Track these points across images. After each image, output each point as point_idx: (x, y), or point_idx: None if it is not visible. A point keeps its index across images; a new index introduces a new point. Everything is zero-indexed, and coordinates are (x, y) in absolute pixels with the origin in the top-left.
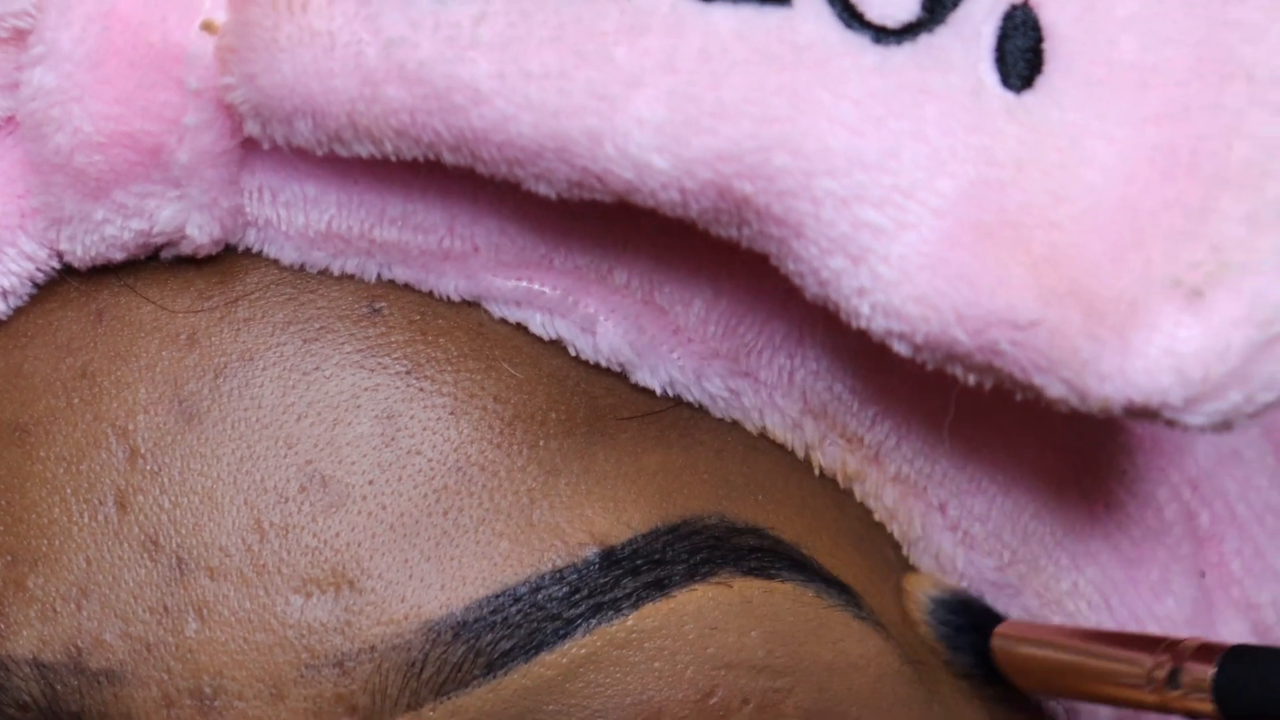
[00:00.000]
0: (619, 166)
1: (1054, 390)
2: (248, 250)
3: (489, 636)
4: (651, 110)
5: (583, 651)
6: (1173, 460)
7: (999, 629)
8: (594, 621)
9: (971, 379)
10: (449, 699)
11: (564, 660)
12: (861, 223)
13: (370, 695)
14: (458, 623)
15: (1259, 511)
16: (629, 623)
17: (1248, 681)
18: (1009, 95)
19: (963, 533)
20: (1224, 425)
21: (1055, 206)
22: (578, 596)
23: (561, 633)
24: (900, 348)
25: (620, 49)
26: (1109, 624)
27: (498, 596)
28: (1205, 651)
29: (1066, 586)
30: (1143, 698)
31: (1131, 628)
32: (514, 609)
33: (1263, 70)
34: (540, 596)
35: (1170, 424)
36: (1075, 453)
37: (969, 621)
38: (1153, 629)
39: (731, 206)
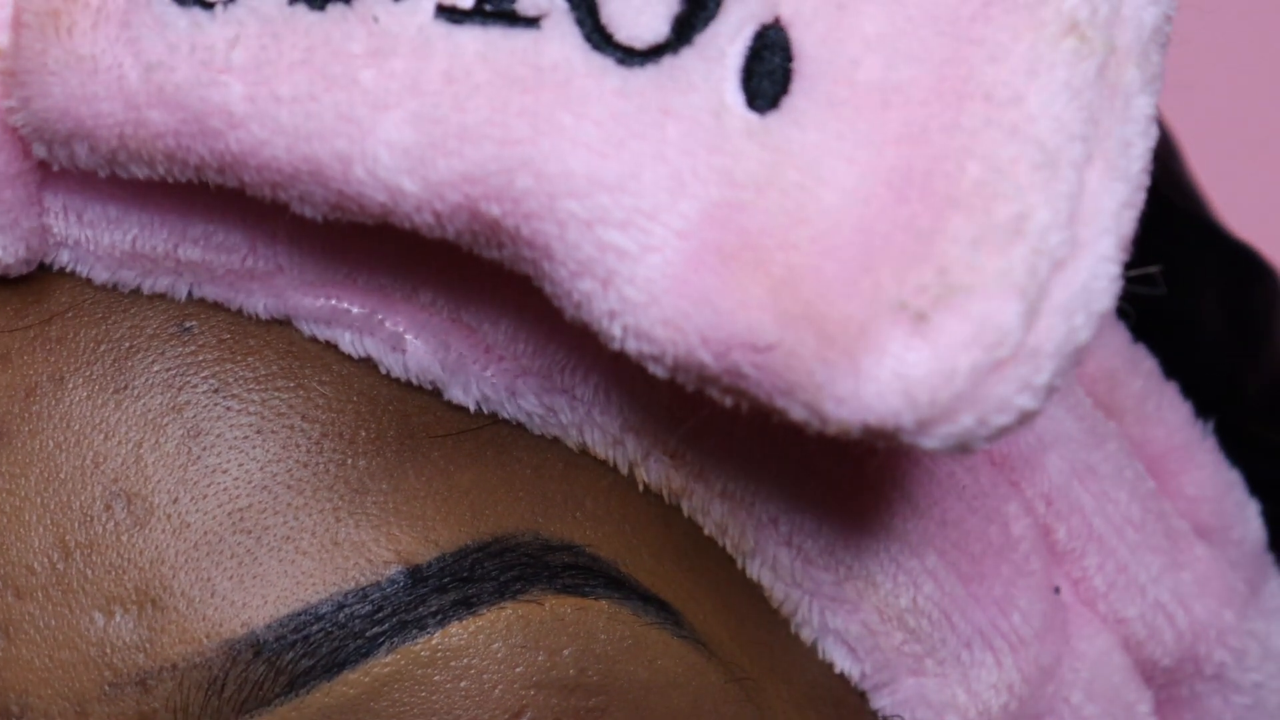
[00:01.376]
0: (371, 190)
1: (796, 413)
2: (62, 269)
3: (290, 655)
4: (399, 133)
5: (386, 670)
6: (1024, 475)
7: None
8: (398, 640)
9: (728, 401)
10: (251, 717)
11: (366, 679)
12: (606, 245)
13: (172, 713)
14: (257, 641)
15: (1118, 525)
16: (434, 641)
17: None
18: (752, 116)
19: (796, 548)
20: (960, 448)
21: (794, 228)
22: (381, 615)
23: (364, 651)
24: (655, 370)
25: (368, 72)
26: (952, 640)
27: (299, 615)
28: None
29: (905, 603)
30: None
31: (978, 644)
32: (315, 627)
33: (1003, 91)
34: (343, 615)
35: (910, 447)
36: (905, 468)
37: None
38: (1000, 644)
39: (484, 229)
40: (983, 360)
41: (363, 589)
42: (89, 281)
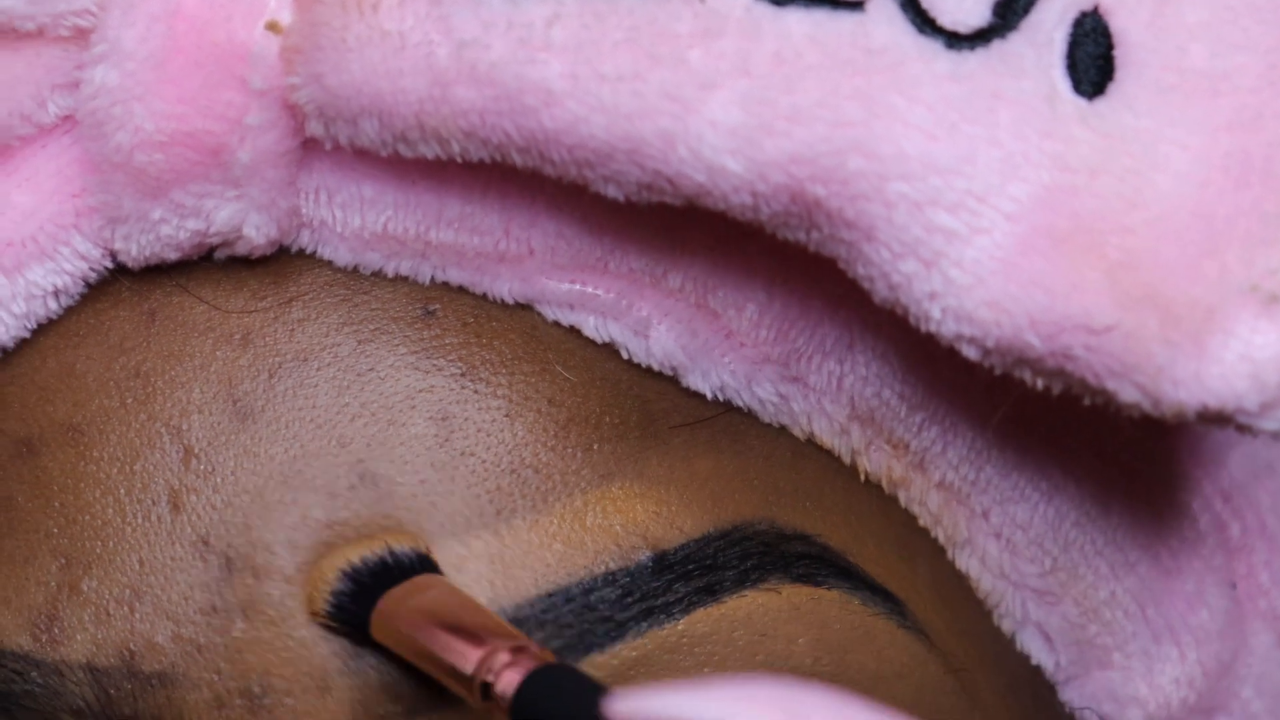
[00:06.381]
0: (691, 169)
1: (1126, 395)
2: (301, 251)
3: (539, 635)
4: (726, 113)
5: (633, 654)
6: (1207, 471)
7: (389, 593)
8: (645, 625)
9: (1040, 383)
10: None
11: (614, 662)
12: (935, 227)
13: (414, 683)
14: (508, 618)
15: None
16: (680, 627)
17: (545, 697)
18: (1081, 101)
19: (1005, 540)
20: None
21: (1129, 212)
22: (630, 599)
23: (613, 635)
24: (970, 352)
25: (694, 51)
26: (1144, 633)
27: (550, 595)
28: (522, 661)
29: (1104, 595)
30: (466, 695)
31: (1167, 638)
32: (566, 608)
33: None
34: (593, 598)
35: (1242, 429)
36: (1118, 462)
37: (372, 586)
38: (1186, 639)
39: (803, 210)
40: None
41: (612, 573)
42: (330, 264)
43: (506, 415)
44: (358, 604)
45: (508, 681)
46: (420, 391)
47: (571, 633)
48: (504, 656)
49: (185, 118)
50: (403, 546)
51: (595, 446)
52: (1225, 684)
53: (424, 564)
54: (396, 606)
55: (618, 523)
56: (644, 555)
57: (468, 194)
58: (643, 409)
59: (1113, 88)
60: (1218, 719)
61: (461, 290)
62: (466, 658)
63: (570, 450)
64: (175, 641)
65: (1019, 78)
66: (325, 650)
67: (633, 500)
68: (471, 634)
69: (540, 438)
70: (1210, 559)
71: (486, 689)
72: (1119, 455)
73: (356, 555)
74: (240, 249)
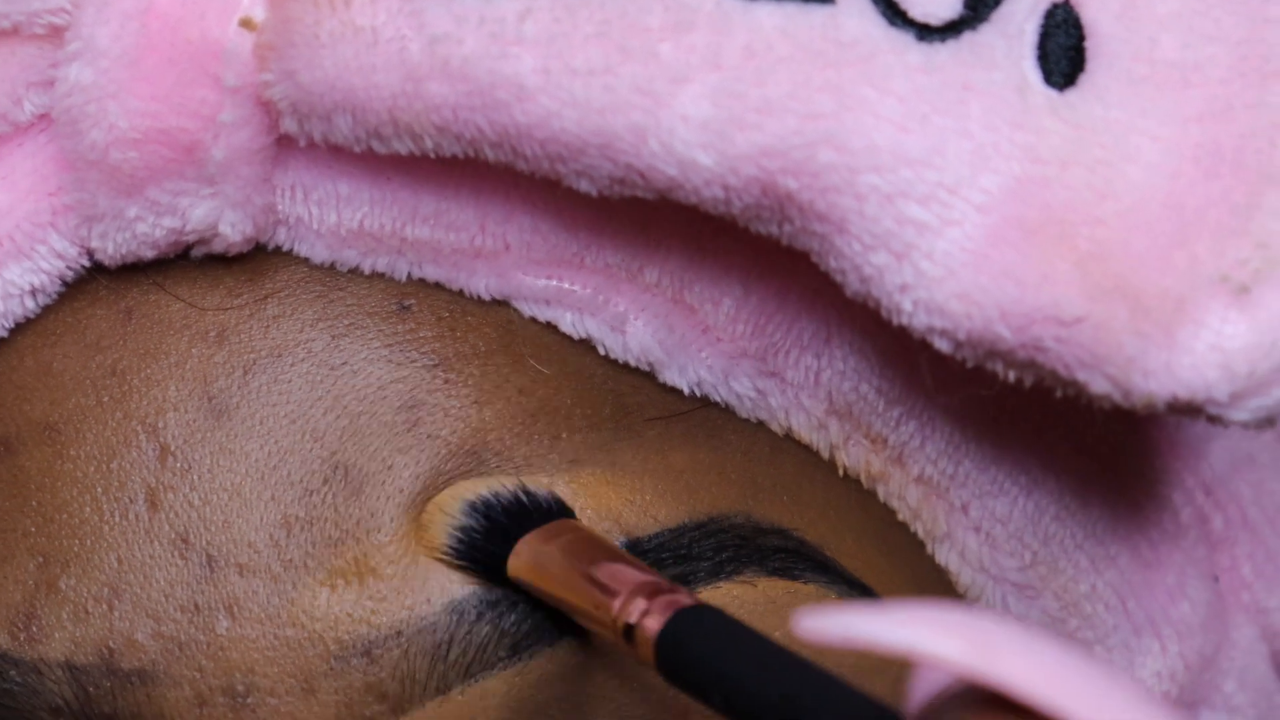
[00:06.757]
0: (663, 163)
1: (1097, 386)
2: (277, 248)
3: (512, 617)
4: (697, 106)
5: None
6: (1187, 464)
7: (533, 533)
8: None
9: (1011, 375)
10: (476, 682)
11: (591, 646)
12: (906, 219)
13: (399, 682)
14: (481, 600)
15: (1271, 515)
16: None
17: (690, 639)
18: (1052, 93)
19: (985, 534)
20: (1267, 421)
21: (1100, 203)
22: None
23: None
24: (941, 344)
25: (665, 45)
26: (1125, 627)
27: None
28: (665, 603)
29: (1085, 589)
30: (611, 637)
31: (1148, 631)
32: None
33: None
34: None
35: (1213, 420)
36: (1097, 456)
37: (506, 524)
38: (1168, 632)
39: (774, 203)
40: None
41: None
42: (305, 260)
43: (475, 402)
44: (489, 540)
45: (651, 623)
46: (392, 382)
47: (542, 616)
48: (643, 601)
49: (159, 115)
50: (538, 487)
51: (564, 435)
52: (1208, 677)
53: (560, 505)
54: (538, 547)
55: (589, 506)
56: (619, 540)
57: (443, 190)
58: (617, 403)
59: (1084, 79)
60: (1200, 713)
61: (438, 286)
62: (608, 600)
63: (537, 437)
64: (156, 639)
65: (990, 69)
66: (311, 651)
67: (604, 486)
68: (612, 576)
69: (507, 423)
70: (1191, 552)
71: (630, 631)
72: (1098, 448)
73: (485, 489)
74: (216, 246)
